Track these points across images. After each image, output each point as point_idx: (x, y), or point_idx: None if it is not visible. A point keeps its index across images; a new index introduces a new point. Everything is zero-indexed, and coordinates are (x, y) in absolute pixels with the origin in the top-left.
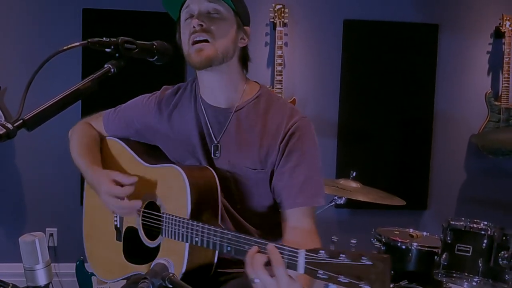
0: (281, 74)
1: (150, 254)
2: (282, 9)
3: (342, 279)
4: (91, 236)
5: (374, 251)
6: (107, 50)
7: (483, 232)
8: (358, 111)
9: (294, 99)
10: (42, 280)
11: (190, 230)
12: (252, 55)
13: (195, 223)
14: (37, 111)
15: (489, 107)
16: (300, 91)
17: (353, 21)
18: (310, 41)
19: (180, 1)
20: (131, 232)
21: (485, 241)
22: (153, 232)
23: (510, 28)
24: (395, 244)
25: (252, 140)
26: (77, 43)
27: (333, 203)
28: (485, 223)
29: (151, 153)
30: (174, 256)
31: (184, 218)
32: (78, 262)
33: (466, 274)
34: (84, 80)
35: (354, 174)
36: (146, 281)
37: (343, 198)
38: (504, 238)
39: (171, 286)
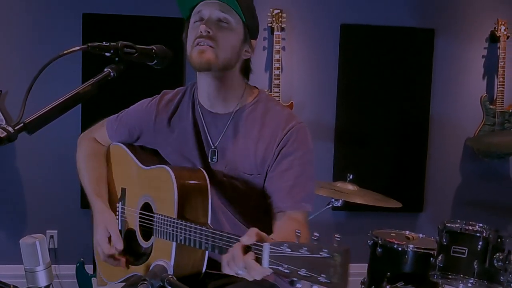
0: (279, 78)
1: (145, 255)
2: (280, 14)
3: (303, 272)
4: None
5: (335, 244)
6: (107, 54)
7: (478, 234)
8: (355, 115)
9: (292, 102)
10: (42, 281)
11: (176, 229)
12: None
13: (179, 221)
14: (37, 115)
15: (484, 111)
16: (298, 94)
17: (350, 25)
18: (308, 45)
19: (193, 2)
20: (131, 234)
21: (481, 243)
22: (148, 232)
23: (505, 33)
24: (391, 246)
25: (248, 146)
26: (77, 47)
27: (330, 205)
28: (481, 225)
29: (151, 156)
30: (163, 256)
31: (170, 217)
32: (78, 264)
33: (461, 275)
34: (84, 84)
35: (351, 176)
36: (145, 282)
37: (340, 201)
38: (499, 240)
39: None
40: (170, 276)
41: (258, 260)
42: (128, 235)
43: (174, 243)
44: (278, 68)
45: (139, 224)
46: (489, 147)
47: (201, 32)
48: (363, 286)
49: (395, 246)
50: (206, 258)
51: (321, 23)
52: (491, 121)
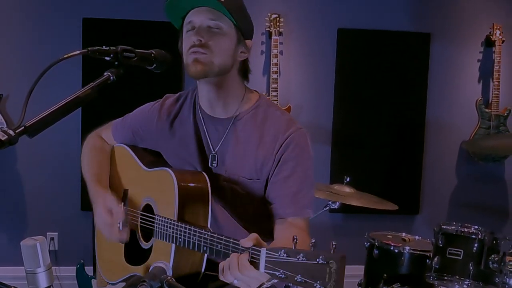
0: (277, 82)
1: (145, 255)
2: (278, 19)
3: (298, 278)
4: (100, 240)
5: (332, 251)
6: (107, 58)
7: (474, 236)
8: (352, 118)
9: (290, 106)
10: (43, 283)
11: (175, 231)
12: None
13: (179, 223)
14: (38, 118)
15: (479, 114)
16: (295, 98)
17: (347, 30)
18: (305, 50)
19: (182, 12)
20: (132, 235)
21: (476, 245)
22: (148, 234)
23: (500, 37)
24: (388, 248)
25: (248, 151)
26: (77, 52)
27: (327, 207)
28: (476, 227)
29: (154, 158)
30: (163, 257)
31: (171, 219)
32: (78, 266)
33: (457, 277)
34: (84, 87)
35: (348, 179)
36: (144, 283)
37: (337, 203)
38: (494, 242)
39: None
40: (169, 278)
41: (255, 264)
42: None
43: (173, 245)
44: (276, 72)
45: (140, 225)
46: (484, 150)
47: (194, 42)
48: None
49: (392, 248)
50: (205, 260)
51: (318, 27)
52: (486, 124)
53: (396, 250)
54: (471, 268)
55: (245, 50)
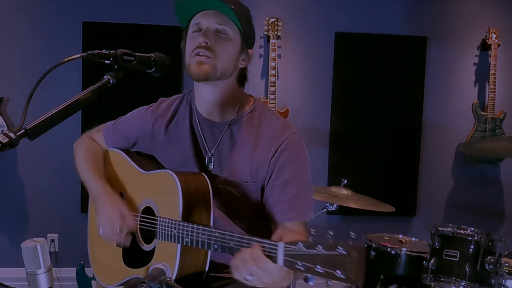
0: (275, 85)
1: (146, 258)
2: (276, 22)
3: (318, 269)
4: (94, 243)
5: (350, 242)
6: (107, 61)
7: (470, 238)
8: (349, 121)
9: (287, 109)
10: (43, 284)
11: (181, 231)
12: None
13: (185, 223)
14: (39, 121)
15: (475, 117)
16: (293, 101)
17: (345, 33)
18: (303, 53)
19: (192, 12)
20: (130, 238)
21: (472, 246)
22: (149, 236)
23: (496, 41)
24: (385, 249)
25: (244, 154)
26: (78, 55)
27: (325, 209)
28: (472, 229)
29: (149, 161)
30: (167, 258)
31: (176, 220)
32: (78, 267)
33: (453, 278)
34: (84, 90)
35: (345, 181)
36: (144, 285)
37: (335, 205)
38: (490, 243)
39: None
40: (168, 279)
41: (273, 258)
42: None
43: (179, 245)
44: (274, 75)
45: (140, 228)
46: (480, 152)
47: (199, 43)
48: None
49: (389, 250)
50: (209, 259)
51: (316, 31)
52: (482, 127)
53: (393, 252)
54: (467, 269)
55: (246, 59)
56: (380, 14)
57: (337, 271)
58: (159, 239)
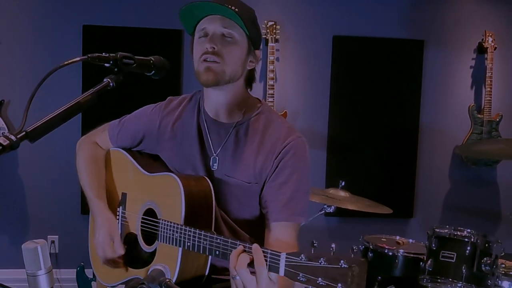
0: (273, 88)
1: (147, 259)
2: (274, 26)
3: (320, 281)
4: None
5: (352, 255)
6: (106, 65)
7: (466, 239)
8: (347, 123)
9: (286, 112)
10: (44, 285)
11: (183, 235)
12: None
13: (187, 228)
14: (39, 123)
15: (472, 120)
16: (291, 104)
17: (342, 37)
18: (301, 56)
19: (196, 19)
20: (131, 238)
21: (469, 248)
22: (150, 237)
23: (492, 44)
24: (382, 251)
25: (248, 156)
26: (78, 58)
27: (323, 211)
28: (469, 230)
29: (152, 162)
30: (168, 261)
31: (178, 224)
32: (78, 268)
33: (450, 279)
34: (84, 93)
35: (343, 183)
36: (143, 286)
37: (332, 207)
38: (486, 245)
39: None
40: (167, 280)
41: (275, 268)
42: (128, 239)
43: (180, 249)
44: (272, 78)
45: (141, 229)
46: (476, 154)
47: (207, 48)
48: None
49: (386, 251)
50: (209, 262)
51: (314, 34)
52: (478, 129)
53: (390, 253)
54: (464, 270)
55: (253, 60)
56: (377, 18)
57: (339, 284)
58: (161, 241)
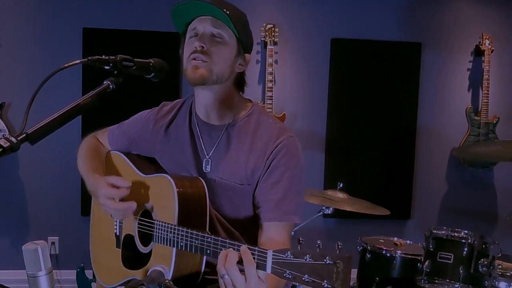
0: (272, 90)
1: (144, 260)
2: (273, 29)
3: (306, 278)
4: (96, 244)
5: (338, 251)
6: (106, 67)
7: (463, 241)
8: (345, 125)
9: (284, 114)
10: (44, 286)
11: (176, 235)
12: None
13: (180, 228)
14: (39, 125)
15: (469, 122)
16: (290, 106)
17: (340, 39)
18: (299, 59)
19: (188, 19)
20: (129, 239)
21: (466, 249)
22: (147, 238)
23: (489, 47)
24: (380, 252)
25: (240, 157)
26: (78, 61)
27: (321, 213)
28: (466, 231)
29: (149, 164)
30: (163, 261)
31: (171, 224)
32: (78, 269)
33: (447, 280)
34: (84, 96)
35: (341, 185)
36: (143, 287)
37: (331, 208)
38: (483, 246)
39: None
40: (167, 281)
41: (262, 266)
42: (126, 241)
43: (174, 249)
44: (271, 81)
45: (138, 230)
46: (474, 156)
47: (195, 47)
48: None
49: (384, 252)
50: (204, 263)
51: (312, 37)
52: (476, 131)
53: (388, 254)
54: (461, 271)
55: (243, 63)
56: (375, 21)
57: (324, 281)
58: (156, 242)
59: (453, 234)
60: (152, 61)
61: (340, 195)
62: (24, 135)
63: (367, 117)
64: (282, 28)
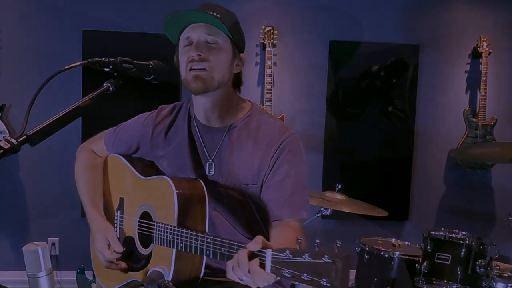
0: (271, 92)
1: (144, 261)
2: (272, 31)
3: (305, 277)
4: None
5: (336, 250)
6: (106, 69)
7: (461, 242)
8: (343, 127)
9: (283, 115)
10: (44, 287)
11: (176, 236)
12: (243, 75)
13: (180, 229)
14: (40, 127)
15: (467, 124)
16: (289, 108)
17: (339, 42)
18: (298, 61)
19: (180, 27)
20: (129, 241)
21: (464, 250)
22: (147, 240)
23: (487, 49)
24: (378, 253)
25: (244, 157)
26: (78, 63)
27: (320, 214)
28: (464, 233)
29: (148, 167)
30: (163, 262)
31: (171, 225)
32: (78, 270)
33: (445, 281)
34: (84, 98)
35: (340, 186)
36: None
37: (329, 210)
38: (481, 247)
39: None
40: (166, 282)
41: (261, 265)
42: (126, 242)
43: (174, 250)
44: (269, 83)
45: (138, 232)
46: (471, 158)
47: (192, 56)
48: None
49: (382, 253)
50: (204, 264)
51: (311, 39)
52: (473, 133)
53: (386, 255)
54: (459, 272)
55: (239, 63)
56: (373, 23)
57: (323, 279)
58: (156, 243)
59: (451, 235)
60: (151, 63)
61: (339, 196)
62: (25, 136)
63: (365, 119)
64: (281, 30)
